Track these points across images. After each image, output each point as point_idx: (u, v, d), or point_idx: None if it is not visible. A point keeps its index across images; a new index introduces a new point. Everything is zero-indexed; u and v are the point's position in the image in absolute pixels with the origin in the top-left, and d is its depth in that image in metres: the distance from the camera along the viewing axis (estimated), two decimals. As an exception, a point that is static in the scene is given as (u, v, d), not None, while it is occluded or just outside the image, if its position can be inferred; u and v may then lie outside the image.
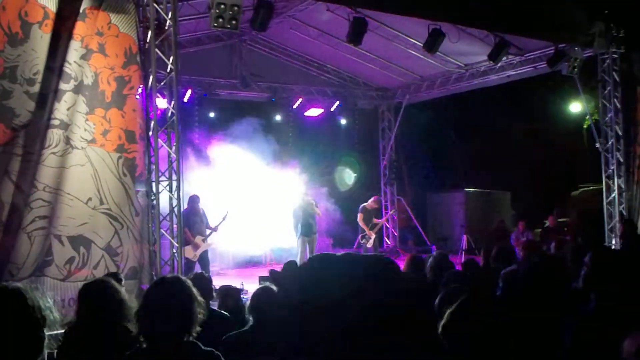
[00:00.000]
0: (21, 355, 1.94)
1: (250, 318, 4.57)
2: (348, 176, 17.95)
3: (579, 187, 18.63)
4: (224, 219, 11.68)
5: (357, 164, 18.20)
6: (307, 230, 13.03)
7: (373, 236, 13.93)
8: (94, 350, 3.69)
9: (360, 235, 14.35)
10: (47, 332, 2.01)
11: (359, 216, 14.05)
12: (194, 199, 11.33)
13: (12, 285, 2.01)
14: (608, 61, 12.62)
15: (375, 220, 14.19)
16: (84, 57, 7.77)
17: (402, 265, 6.64)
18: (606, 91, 12.74)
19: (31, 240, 7.36)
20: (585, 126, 19.67)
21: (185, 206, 10.39)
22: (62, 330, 3.97)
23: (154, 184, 8.44)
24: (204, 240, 11.34)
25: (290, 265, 7.24)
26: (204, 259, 11.35)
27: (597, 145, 12.96)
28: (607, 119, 12.80)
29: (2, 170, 7.22)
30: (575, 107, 19.93)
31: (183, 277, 3.33)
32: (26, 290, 2.00)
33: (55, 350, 3.95)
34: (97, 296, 3.90)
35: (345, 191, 17.40)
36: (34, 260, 7.37)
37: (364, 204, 14.18)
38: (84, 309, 3.94)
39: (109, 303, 3.82)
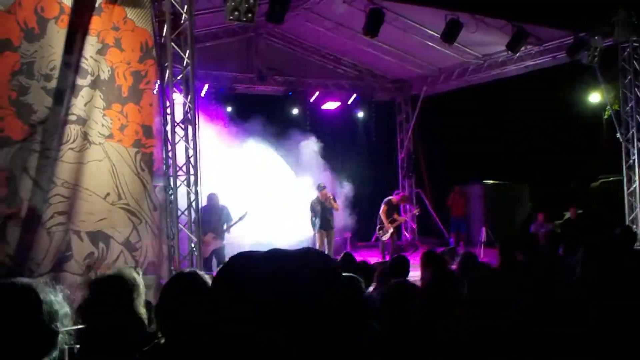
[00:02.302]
0: (35, 348, 1.94)
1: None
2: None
3: (599, 179, 18.42)
4: (240, 219, 11.58)
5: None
6: (324, 224, 13.01)
7: (391, 230, 13.87)
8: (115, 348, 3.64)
9: (377, 227, 14.28)
10: (61, 327, 2.01)
11: (383, 208, 14.01)
12: (211, 197, 11.32)
13: (22, 282, 2.02)
14: (629, 50, 12.39)
15: (395, 216, 14.12)
16: (100, 52, 7.76)
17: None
18: (627, 80, 12.52)
19: (50, 236, 7.39)
20: (605, 116, 19.47)
21: (204, 202, 10.36)
22: (80, 326, 3.92)
23: (171, 179, 8.44)
24: (215, 238, 11.28)
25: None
26: (220, 255, 11.31)
27: (618, 135, 12.77)
28: (627, 108, 12.59)
29: (21, 166, 7.25)
30: (595, 97, 19.74)
31: (200, 272, 3.29)
32: (36, 285, 2.01)
33: (77, 346, 3.91)
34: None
35: (363, 185, 17.23)
36: (54, 256, 7.39)
37: (390, 197, 14.15)
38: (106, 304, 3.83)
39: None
